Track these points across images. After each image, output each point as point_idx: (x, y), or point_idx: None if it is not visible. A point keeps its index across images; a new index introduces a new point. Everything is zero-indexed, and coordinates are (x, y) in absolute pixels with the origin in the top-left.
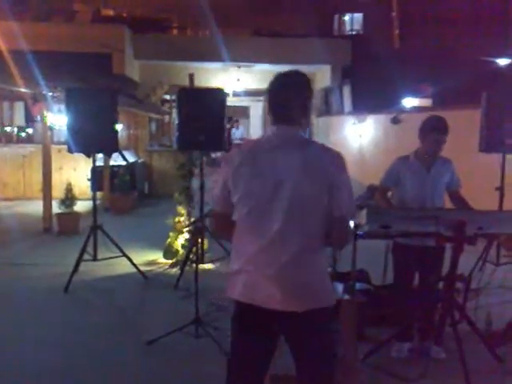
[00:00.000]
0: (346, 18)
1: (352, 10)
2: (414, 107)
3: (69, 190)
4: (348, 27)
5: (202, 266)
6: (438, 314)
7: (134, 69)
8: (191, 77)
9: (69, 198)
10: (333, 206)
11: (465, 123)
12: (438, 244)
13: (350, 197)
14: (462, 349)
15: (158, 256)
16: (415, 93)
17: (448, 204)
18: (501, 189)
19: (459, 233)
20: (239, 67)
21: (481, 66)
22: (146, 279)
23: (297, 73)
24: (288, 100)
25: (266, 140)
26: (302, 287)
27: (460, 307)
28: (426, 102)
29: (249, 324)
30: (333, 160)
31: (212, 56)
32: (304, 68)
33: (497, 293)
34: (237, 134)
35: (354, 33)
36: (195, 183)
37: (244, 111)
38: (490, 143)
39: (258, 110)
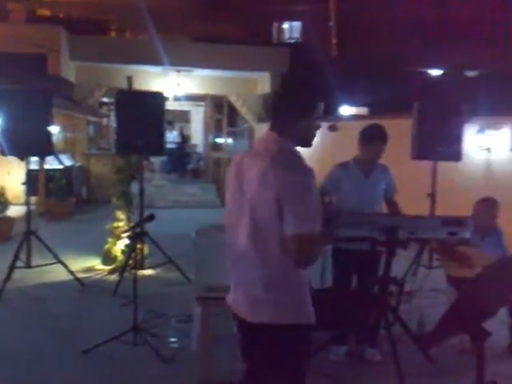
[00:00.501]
0: (285, 26)
1: (291, 19)
2: (351, 115)
3: (1, 194)
4: (287, 35)
5: (141, 272)
6: (373, 317)
7: (70, 70)
8: (129, 79)
9: (1, 203)
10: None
11: (399, 131)
12: (372, 248)
13: (298, 211)
14: (396, 351)
15: (95, 262)
16: (352, 101)
17: (385, 209)
18: (432, 195)
19: (392, 237)
20: (179, 71)
21: (415, 76)
22: (82, 286)
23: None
24: (275, 102)
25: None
26: (253, 300)
27: (393, 310)
28: (362, 111)
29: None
30: (276, 170)
31: (151, 59)
32: (244, 74)
33: (429, 295)
34: (170, 137)
35: (292, 41)
36: (134, 188)
37: (185, 115)
38: (421, 151)
39: (199, 114)
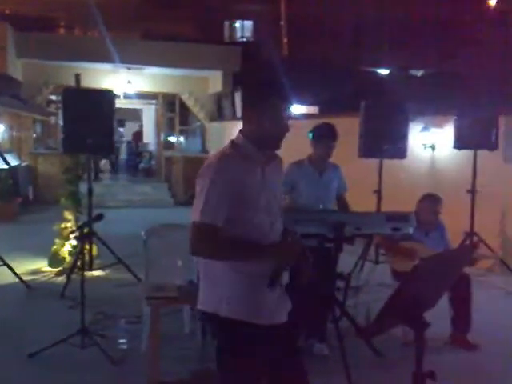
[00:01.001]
0: (237, 25)
1: (243, 18)
2: (302, 114)
3: None
4: (239, 34)
5: (90, 274)
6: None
7: (17, 68)
8: (78, 77)
9: None
10: None
11: (348, 130)
12: (321, 245)
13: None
14: (343, 345)
15: (42, 264)
16: (303, 100)
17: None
18: (378, 192)
19: (339, 233)
20: (129, 69)
21: (363, 75)
22: (28, 289)
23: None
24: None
25: None
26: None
27: (341, 304)
28: (312, 110)
29: None
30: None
31: (101, 57)
32: (195, 72)
33: (376, 290)
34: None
35: (244, 40)
36: (83, 187)
37: (136, 114)
38: (367, 149)
39: (150, 112)
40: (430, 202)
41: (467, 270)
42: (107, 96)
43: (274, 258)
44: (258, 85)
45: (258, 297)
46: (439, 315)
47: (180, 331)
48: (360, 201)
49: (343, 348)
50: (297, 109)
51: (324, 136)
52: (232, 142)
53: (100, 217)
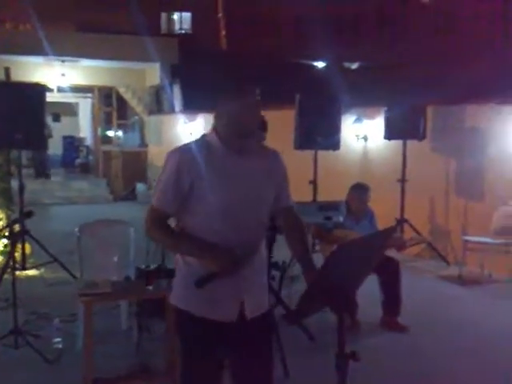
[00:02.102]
0: (175, 16)
1: (180, 9)
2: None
3: None
4: (177, 26)
5: (24, 273)
6: None
7: None
8: (7, 70)
9: None
10: None
11: (286, 123)
12: None
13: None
14: (278, 331)
15: None
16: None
17: None
18: (314, 182)
19: (271, 223)
20: (63, 62)
21: (298, 68)
22: None
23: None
24: None
25: None
26: None
27: (276, 293)
28: None
29: None
30: None
31: (33, 49)
32: (132, 65)
33: None
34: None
35: (182, 32)
36: (15, 184)
37: (71, 108)
38: (302, 141)
39: (87, 106)
40: (359, 191)
41: (397, 255)
42: (37, 89)
43: (211, 264)
44: (230, 79)
45: (200, 291)
46: (373, 300)
47: (117, 328)
48: (296, 191)
49: (278, 334)
50: None
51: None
52: (203, 134)
53: (30, 214)
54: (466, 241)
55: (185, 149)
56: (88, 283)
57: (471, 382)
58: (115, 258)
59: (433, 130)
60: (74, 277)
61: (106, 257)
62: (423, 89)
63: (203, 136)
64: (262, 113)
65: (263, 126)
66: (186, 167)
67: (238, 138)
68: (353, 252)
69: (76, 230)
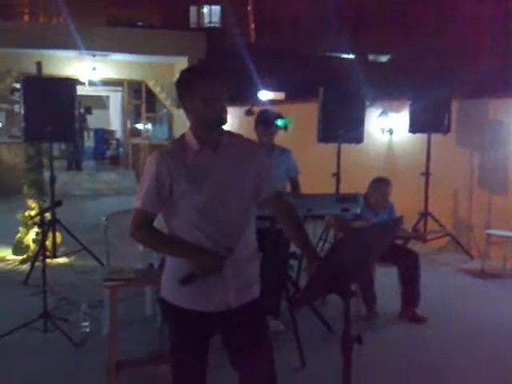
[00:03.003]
0: (205, 10)
1: (210, 3)
2: (268, 100)
3: None
4: (207, 19)
5: (55, 261)
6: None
7: None
8: (39, 65)
9: None
10: None
11: (311, 115)
12: (273, 226)
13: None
14: (296, 321)
15: (6, 253)
16: (268, 86)
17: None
18: (337, 175)
19: None
20: (94, 56)
21: (325, 61)
22: None
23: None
24: None
25: None
26: None
27: (294, 283)
28: (279, 96)
29: None
30: None
31: (65, 44)
32: (161, 59)
33: None
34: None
35: (212, 25)
36: (46, 176)
37: (102, 101)
38: (325, 134)
39: (117, 99)
40: (380, 185)
41: (421, 248)
42: (68, 83)
43: (194, 266)
44: (186, 73)
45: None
46: (393, 292)
47: (142, 315)
48: (320, 184)
49: (296, 324)
50: (264, 95)
51: (259, 122)
52: (182, 134)
53: (59, 203)
54: (489, 234)
55: (162, 151)
56: (113, 270)
57: (483, 381)
58: (140, 247)
59: (457, 123)
60: (102, 264)
61: (131, 246)
62: (447, 82)
63: (182, 135)
64: (291, 107)
65: (264, 120)
66: (164, 169)
67: (206, 132)
68: (359, 240)
69: (103, 219)
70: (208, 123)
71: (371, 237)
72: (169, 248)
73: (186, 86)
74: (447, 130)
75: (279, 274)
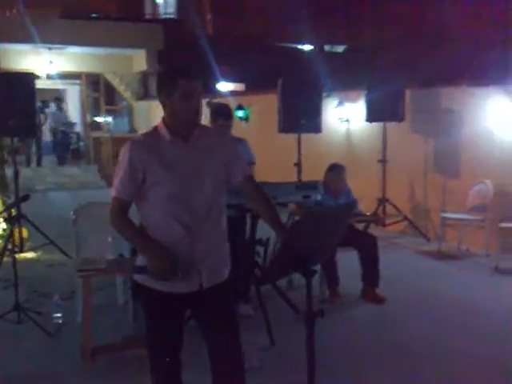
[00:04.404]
0: (160, 1)
1: None
2: (228, 91)
3: None
4: (162, 10)
5: (22, 256)
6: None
7: None
8: None
9: None
10: None
11: (271, 106)
12: (240, 214)
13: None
14: (264, 305)
15: None
16: (228, 77)
17: None
18: (298, 164)
19: None
20: (50, 49)
21: (284, 52)
22: None
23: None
24: None
25: None
26: None
27: (261, 268)
28: (239, 87)
29: None
30: None
31: (20, 37)
32: (119, 51)
33: None
34: (61, 117)
35: (167, 17)
36: (9, 171)
37: (60, 94)
38: (286, 125)
39: (75, 92)
40: (336, 171)
41: (380, 232)
42: (27, 78)
43: (150, 266)
44: (163, 69)
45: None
46: (354, 274)
47: (114, 303)
48: (282, 173)
49: (265, 307)
50: (224, 86)
51: (217, 115)
52: (154, 125)
53: (26, 197)
54: (444, 218)
55: (136, 140)
56: (85, 261)
57: (442, 351)
58: (109, 238)
59: (411, 112)
60: (70, 258)
61: (100, 237)
62: (401, 72)
63: (154, 127)
64: (251, 98)
65: (226, 113)
66: (138, 157)
67: (181, 127)
68: (318, 221)
69: (72, 212)
70: (183, 120)
71: (328, 218)
72: (139, 243)
73: (165, 84)
74: (402, 119)
75: (247, 260)
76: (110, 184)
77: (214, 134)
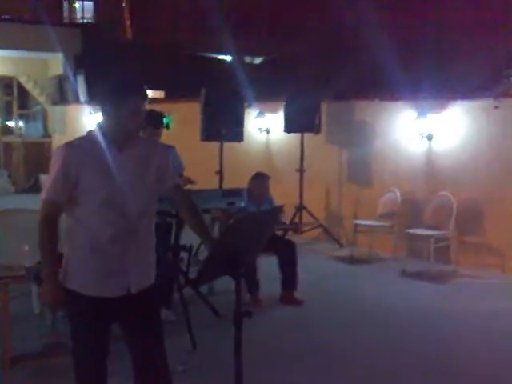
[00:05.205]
0: (77, 5)
1: None
2: (148, 98)
3: None
4: (79, 15)
5: None
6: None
7: None
8: None
9: None
10: None
11: (192, 115)
12: (165, 220)
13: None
14: (187, 310)
15: None
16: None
17: None
18: (220, 172)
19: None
20: None
21: (208, 61)
22: None
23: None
24: None
25: None
26: None
27: (185, 274)
28: (158, 94)
29: None
30: None
31: None
32: (33, 54)
33: None
34: None
35: (85, 21)
36: None
37: None
38: (208, 133)
39: None
40: (259, 179)
41: (297, 239)
42: None
43: (42, 288)
44: (112, 83)
45: (84, 271)
46: (273, 279)
47: (30, 313)
48: (204, 181)
49: (187, 312)
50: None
51: (148, 123)
52: (89, 130)
53: None
54: (356, 224)
55: (71, 144)
56: (2, 268)
57: (355, 343)
58: (26, 247)
59: (327, 123)
60: None
61: (16, 245)
62: (317, 85)
63: (89, 132)
64: (172, 106)
65: (156, 122)
66: (72, 162)
67: (121, 137)
68: (247, 225)
69: None
70: (127, 131)
71: (258, 222)
72: (44, 258)
73: (116, 96)
74: (318, 130)
75: (171, 266)
76: (19, 190)
77: (146, 143)
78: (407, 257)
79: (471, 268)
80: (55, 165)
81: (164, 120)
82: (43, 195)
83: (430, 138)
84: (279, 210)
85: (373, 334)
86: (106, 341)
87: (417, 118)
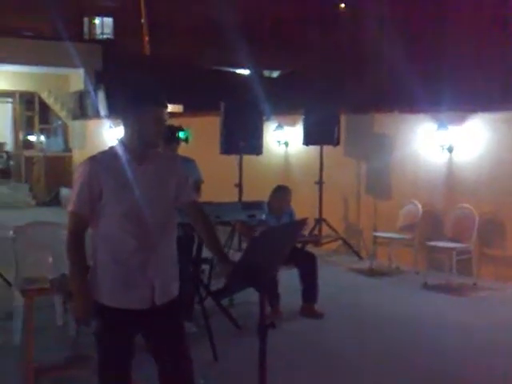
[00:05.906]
0: (97, 21)
1: (102, 14)
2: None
3: None
4: (99, 31)
5: None
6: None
7: None
8: None
9: None
10: None
11: (211, 128)
12: (186, 233)
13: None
14: (208, 322)
15: None
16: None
17: None
18: (239, 185)
19: None
20: None
21: (225, 75)
22: None
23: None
24: None
25: None
26: None
27: (206, 286)
28: (177, 108)
29: None
30: None
31: None
32: (55, 70)
33: None
34: None
35: (104, 37)
36: None
37: None
38: (227, 146)
39: (7, 110)
40: (281, 192)
41: (316, 251)
42: None
43: (71, 305)
44: (132, 93)
45: (108, 283)
46: (294, 292)
47: (53, 324)
48: (223, 194)
49: (209, 324)
50: None
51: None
52: (111, 146)
53: None
54: (376, 236)
55: (94, 159)
56: (27, 280)
57: (376, 357)
58: (50, 259)
59: (346, 136)
60: (6, 281)
61: (40, 258)
62: (336, 97)
63: (111, 147)
64: (191, 120)
65: (169, 137)
66: (95, 175)
67: (142, 148)
68: (271, 238)
69: (11, 232)
70: (148, 141)
71: (281, 234)
72: (71, 271)
73: (136, 104)
74: (337, 143)
75: (192, 279)
76: (40, 203)
77: (165, 158)
78: (428, 270)
79: (492, 281)
80: (80, 178)
81: (181, 134)
82: (70, 207)
83: (450, 150)
84: (303, 222)
85: (393, 349)
86: (131, 352)
87: (437, 129)
